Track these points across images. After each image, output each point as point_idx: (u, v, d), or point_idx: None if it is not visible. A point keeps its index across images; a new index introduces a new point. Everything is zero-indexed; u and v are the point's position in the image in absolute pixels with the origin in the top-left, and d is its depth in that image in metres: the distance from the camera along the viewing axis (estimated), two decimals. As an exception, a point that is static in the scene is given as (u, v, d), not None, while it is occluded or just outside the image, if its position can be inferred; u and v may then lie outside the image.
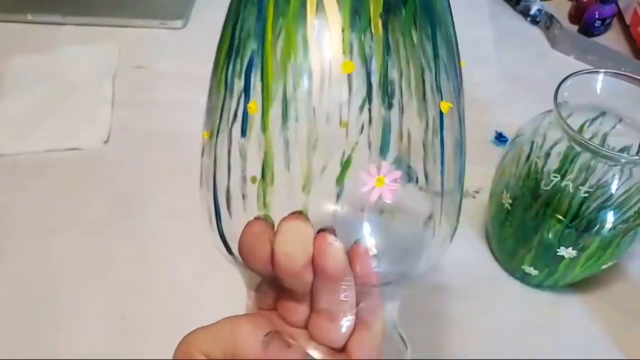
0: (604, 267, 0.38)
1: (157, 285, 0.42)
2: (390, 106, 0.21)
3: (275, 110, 0.21)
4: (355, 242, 0.21)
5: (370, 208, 0.21)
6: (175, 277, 0.42)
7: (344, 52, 0.20)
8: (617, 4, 0.62)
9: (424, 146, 0.22)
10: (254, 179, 0.21)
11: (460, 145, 0.24)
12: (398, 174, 0.21)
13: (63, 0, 0.65)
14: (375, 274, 0.21)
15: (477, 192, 0.47)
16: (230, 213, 0.22)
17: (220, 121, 0.23)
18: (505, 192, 0.38)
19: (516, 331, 0.40)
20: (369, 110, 0.21)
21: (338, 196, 0.21)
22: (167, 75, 0.58)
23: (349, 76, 0.20)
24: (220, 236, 0.23)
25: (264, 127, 0.21)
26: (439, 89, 0.22)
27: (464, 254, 0.44)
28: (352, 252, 0.21)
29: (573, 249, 0.36)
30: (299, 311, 0.22)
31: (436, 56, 0.22)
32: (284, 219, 0.20)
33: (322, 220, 0.21)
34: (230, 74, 0.22)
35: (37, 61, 0.59)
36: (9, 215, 0.47)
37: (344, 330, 0.22)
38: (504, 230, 0.40)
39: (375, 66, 0.20)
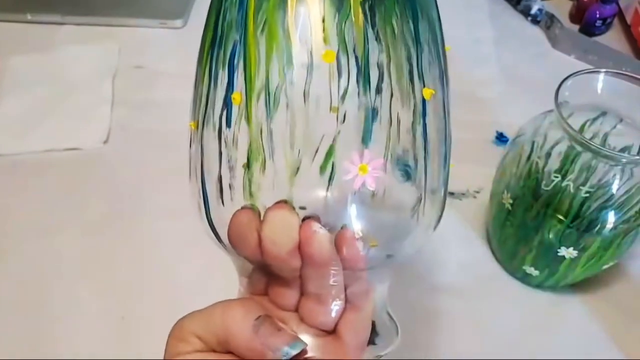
0: (604, 267, 0.38)
1: (157, 285, 0.42)
2: (372, 93, 0.21)
3: (259, 101, 0.21)
4: (342, 228, 0.21)
5: (358, 195, 0.21)
6: (175, 277, 0.42)
7: (324, 42, 0.20)
8: (617, 4, 0.62)
9: (408, 134, 0.22)
10: (245, 166, 0.22)
11: (444, 132, 0.24)
12: (380, 161, 0.21)
13: (62, 0, 0.65)
14: (362, 258, 0.22)
15: (477, 192, 0.47)
16: (218, 202, 0.23)
17: (205, 112, 0.23)
18: (506, 192, 0.38)
19: (517, 331, 0.39)
20: (362, 98, 0.21)
21: (329, 182, 0.21)
22: (167, 75, 0.58)
23: (331, 65, 0.21)
24: (210, 225, 0.24)
25: (248, 117, 0.21)
26: (420, 76, 0.22)
27: (464, 254, 0.43)
28: (338, 237, 0.21)
29: (574, 249, 0.35)
30: (289, 295, 0.23)
31: (418, 42, 0.22)
32: (270, 208, 0.21)
33: (312, 206, 0.21)
34: (214, 64, 0.23)
35: (36, 61, 0.59)
36: (8, 215, 0.46)
37: (333, 313, 0.22)
38: (504, 230, 0.40)
39: (356, 54, 0.21)
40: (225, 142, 0.22)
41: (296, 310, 0.23)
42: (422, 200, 0.23)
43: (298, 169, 0.21)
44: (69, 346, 0.39)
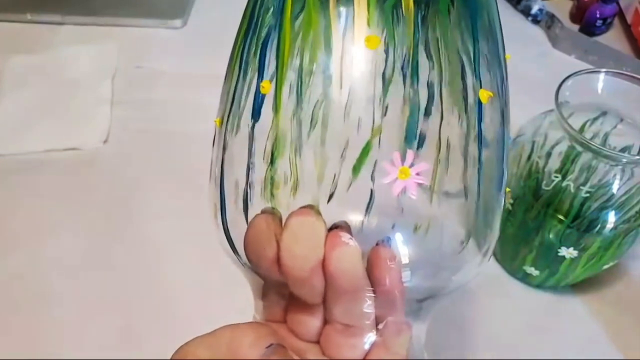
0: (605, 267, 0.37)
1: (156, 285, 0.42)
2: (427, 93, 0.18)
3: (292, 93, 0.19)
4: (377, 244, 0.18)
5: (399, 213, 0.18)
6: (175, 277, 0.42)
7: (368, 25, 0.18)
8: (618, 3, 0.62)
9: (461, 145, 0.19)
10: (268, 162, 0.19)
11: (502, 145, 0.21)
12: (426, 166, 0.18)
13: (62, 0, 0.65)
14: (400, 282, 0.18)
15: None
16: (236, 205, 0.20)
17: (232, 104, 0.21)
18: (506, 192, 0.38)
19: (517, 331, 0.39)
20: (407, 91, 0.18)
21: (370, 200, 0.18)
22: (167, 74, 0.58)
23: (374, 53, 0.18)
24: (225, 233, 0.21)
25: (277, 106, 0.19)
26: (477, 76, 0.19)
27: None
28: (373, 254, 0.18)
29: (574, 249, 0.35)
30: (310, 323, 0.19)
31: (476, 41, 0.19)
32: (293, 213, 0.18)
33: (342, 218, 0.18)
34: (246, 52, 0.20)
35: (36, 61, 0.59)
36: (8, 215, 0.46)
37: (361, 348, 0.19)
38: (504, 230, 0.40)
39: (404, 43, 0.18)
40: (249, 135, 0.19)
41: (318, 341, 0.20)
42: (475, 224, 0.20)
43: (334, 175, 0.18)
44: (69, 346, 0.38)
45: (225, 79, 0.22)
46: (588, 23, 0.61)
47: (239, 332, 0.18)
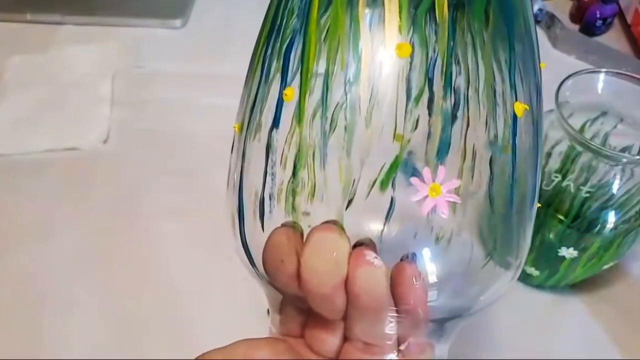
0: (605, 267, 0.37)
1: (157, 285, 0.42)
2: (453, 101, 0.17)
3: (314, 99, 0.18)
4: (402, 259, 0.17)
5: (424, 228, 0.17)
6: (175, 277, 0.42)
7: (400, 32, 0.17)
8: (618, 3, 0.62)
9: (491, 159, 0.18)
10: (290, 173, 0.18)
11: (536, 158, 0.20)
12: (457, 183, 0.17)
13: (62, 0, 0.65)
14: (424, 300, 0.17)
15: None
16: (255, 216, 0.19)
17: (252, 111, 0.20)
18: (506, 192, 0.38)
19: (517, 331, 0.39)
20: (429, 103, 0.17)
21: (391, 206, 0.17)
22: (167, 74, 0.58)
23: (404, 61, 0.17)
24: (243, 244, 0.20)
25: (300, 116, 0.18)
26: (513, 87, 0.18)
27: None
28: (397, 271, 0.17)
29: (574, 250, 0.35)
30: (330, 340, 0.19)
31: (511, 49, 0.18)
32: (315, 228, 0.17)
33: (366, 234, 0.17)
34: (269, 56, 0.19)
35: (36, 61, 0.59)
36: (7, 215, 0.46)
37: None
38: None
39: (437, 52, 0.17)
40: (270, 145, 0.19)
41: (336, 358, 0.19)
42: (502, 240, 0.19)
43: (353, 181, 0.17)
44: (69, 346, 0.38)
45: (245, 83, 0.21)
46: (588, 23, 0.61)
47: (255, 347, 0.18)
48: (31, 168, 0.50)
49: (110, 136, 0.52)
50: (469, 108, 0.17)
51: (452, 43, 0.17)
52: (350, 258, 0.17)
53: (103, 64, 0.59)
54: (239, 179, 0.20)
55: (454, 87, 0.17)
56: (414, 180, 0.17)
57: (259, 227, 0.19)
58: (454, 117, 0.17)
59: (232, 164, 0.21)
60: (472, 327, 0.40)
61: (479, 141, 0.18)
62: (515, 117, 0.18)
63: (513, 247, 0.20)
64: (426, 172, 0.17)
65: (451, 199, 0.17)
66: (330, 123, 0.17)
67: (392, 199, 0.17)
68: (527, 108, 0.18)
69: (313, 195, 0.18)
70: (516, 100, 0.18)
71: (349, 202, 0.17)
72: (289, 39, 0.19)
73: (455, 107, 0.17)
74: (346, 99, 0.17)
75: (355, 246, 0.17)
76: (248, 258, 0.20)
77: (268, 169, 0.19)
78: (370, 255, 0.17)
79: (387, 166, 0.17)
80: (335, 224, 0.17)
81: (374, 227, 0.17)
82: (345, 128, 0.17)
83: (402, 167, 0.17)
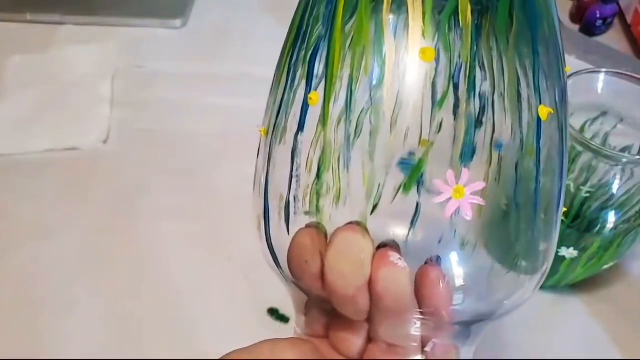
0: (605, 267, 0.37)
1: (157, 285, 0.42)
2: (479, 106, 0.17)
3: (339, 104, 0.18)
4: (426, 262, 0.17)
5: (446, 227, 0.17)
6: (175, 277, 0.42)
7: (423, 36, 0.17)
8: (618, 3, 0.62)
9: (517, 164, 0.18)
10: (314, 176, 0.18)
11: (561, 163, 0.20)
12: (481, 185, 0.17)
13: (62, 0, 0.65)
14: (449, 304, 0.18)
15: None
16: (280, 218, 0.20)
17: (278, 115, 0.20)
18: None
19: (517, 331, 0.39)
20: (454, 108, 0.17)
21: (416, 213, 0.17)
22: (167, 75, 0.58)
23: (427, 64, 0.17)
24: (268, 246, 0.21)
25: (324, 119, 0.18)
26: (537, 91, 0.18)
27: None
28: (421, 273, 0.17)
29: (574, 250, 0.35)
30: (354, 341, 0.19)
31: (535, 53, 0.18)
32: (339, 229, 0.17)
33: (385, 237, 0.18)
34: (295, 62, 0.20)
35: (36, 61, 0.59)
36: (8, 215, 0.46)
37: None
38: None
39: (460, 55, 0.17)
40: (295, 148, 0.19)
41: (360, 358, 0.19)
42: (527, 245, 0.19)
43: (379, 185, 0.17)
44: (69, 346, 0.38)
45: (271, 88, 0.22)
46: (588, 23, 0.61)
47: (279, 348, 0.18)
48: (31, 168, 0.50)
49: (110, 136, 0.52)
50: (495, 113, 0.18)
51: (475, 48, 0.17)
52: (374, 259, 0.17)
53: (103, 64, 0.59)
54: (265, 182, 0.21)
55: (479, 92, 0.17)
56: (437, 182, 0.17)
57: (284, 229, 0.19)
58: (479, 123, 0.17)
59: (259, 167, 0.21)
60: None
61: (502, 132, 0.18)
62: (539, 120, 0.18)
63: (539, 252, 0.20)
64: (450, 174, 0.17)
65: (475, 201, 0.17)
66: (355, 127, 0.18)
67: (417, 204, 0.17)
68: (552, 112, 0.18)
69: (338, 199, 0.18)
70: (540, 103, 0.18)
71: (374, 206, 0.18)
72: (314, 45, 0.19)
73: (481, 112, 0.17)
74: (371, 103, 0.18)
75: (379, 247, 0.17)
76: (274, 259, 0.20)
77: (293, 172, 0.19)
78: (394, 256, 0.17)
79: (411, 170, 0.17)
80: (359, 225, 0.17)
81: (399, 232, 0.18)
82: (370, 132, 0.18)
83: (406, 165, 0.18)
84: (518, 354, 0.38)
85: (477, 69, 0.17)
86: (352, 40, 0.18)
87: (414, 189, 0.17)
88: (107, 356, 0.38)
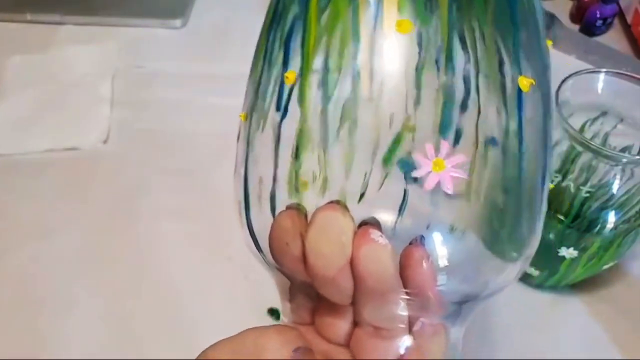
0: (605, 267, 0.37)
1: (156, 286, 0.42)
2: (456, 74, 0.17)
3: (317, 83, 0.18)
4: (410, 243, 0.17)
5: (434, 213, 0.17)
6: (175, 277, 0.42)
7: (399, 10, 0.17)
8: (618, 3, 0.62)
9: (500, 141, 0.18)
10: (293, 156, 0.18)
11: (545, 138, 0.19)
12: (462, 158, 0.17)
13: (62, 0, 0.65)
14: (434, 283, 0.17)
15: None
16: (260, 201, 0.19)
17: (257, 99, 0.20)
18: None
19: (517, 331, 0.39)
20: (430, 82, 0.17)
21: (401, 205, 0.17)
22: (167, 75, 0.58)
23: (405, 42, 0.17)
24: (249, 231, 0.20)
25: (302, 97, 0.18)
26: (517, 65, 0.18)
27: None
28: (405, 255, 0.17)
29: (574, 250, 0.35)
30: (339, 326, 0.19)
31: (515, 27, 0.18)
32: (318, 209, 0.17)
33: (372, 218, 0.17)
34: (270, 44, 0.19)
35: (36, 61, 0.59)
36: (8, 215, 0.46)
37: (394, 352, 0.18)
38: (504, 230, 0.40)
39: (437, 31, 0.17)
40: (273, 129, 0.19)
41: (348, 344, 0.19)
42: (511, 225, 0.19)
43: (353, 160, 0.17)
44: (69, 346, 0.38)
45: (250, 73, 0.21)
46: (588, 23, 0.61)
47: (264, 336, 0.17)
48: (31, 168, 0.50)
49: (110, 136, 0.52)
50: (476, 92, 0.17)
51: (452, 22, 0.17)
52: (355, 238, 0.16)
53: (103, 64, 0.59)
54: (245, 166, 0.20)
55: (459, 70, 0.17)
56: (416, 155, 0.17)
57: (264, 212, 0.19)
58: (463, 106, 0.17)
59: (238, 153, 0.21)
60: (472, 326, 0.40)
61: (491, 126, 0.18)
62: (520, 91, 0.18)
63: (523, 232, 0.20)
64: (429, 147, 0.17)
65: (456, 174, 0.17)
66: (336, 106, 0.17)
67: (405, 191, 0.17)
68: (533, 82, 0.18)
69: (325, 184, 0.17)
70: (520, 74, 0.18)
71: (362, 195, 0.17)
72: (290, 24, 0.19)
73: (466, 95, 0.17)
74: (350, 81, 0.17)
75: (360, 226, 0.17)
76: (255, 244, 0.20)
77: (272, 154, 0.19)
78: (375, 233, 0.16)
79: (389, 145, 0.17)
80: (339, 203, 0.17)
81: (386, 219, 0.17)
82: (349, 111, 0.17)
83: (405, 163, 0.17)
84: (518, 354, 0.38)
85: (459, 47, 0.17)
86: (327, 16, 0.18)
87: (400, 175, 0.17)
88: (107, 356, 0.38)
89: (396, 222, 0.17)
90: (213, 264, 0.42)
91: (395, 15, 0.17)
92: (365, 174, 0.17)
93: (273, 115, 0.19)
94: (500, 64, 0.18)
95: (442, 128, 0.17)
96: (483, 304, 0.20)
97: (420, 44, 0.17)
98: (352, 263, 0.16)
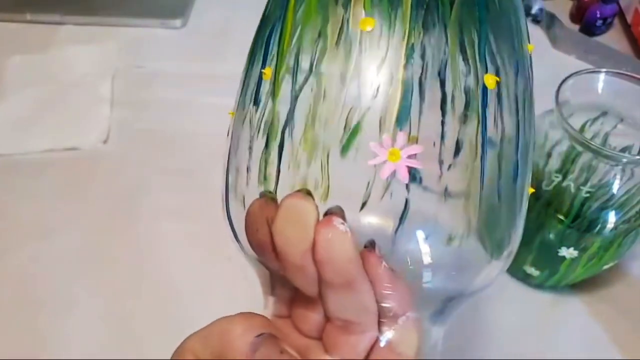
0: (605, 267, 0.37)
1: (156, 286, 0.42)
2: (417, 66, 0.18)
3: (289, 78, 0.19)
4: (365, 246, 0.17)
5: (434, 222, 0.17)
6: (175, 277, 0.42)
7: (365, 9, 0.18)
8: (618, 3, 0.62)
9: (468, 140, 0.18)
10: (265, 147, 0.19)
11: (517, 137, 0.19)
12: (418, 149, 0.17)
13: (62, 0, 0.65)
14: (388, 279, 0.17)
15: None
16: (236, 190, 0.20)
17: (241, 95, 0.21)
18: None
19: (517, 331, 0.39)
20: (393, 75, 0.18)
21: (402, 214, 0.17)
22: (167, 75, 0.58)
23: (371, 39, 0.18)
24: (228, 221, 0.21)
25: (275, 92, 0.19)
26: (482, 59, 0.18)
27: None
28: (362, 252, 0.17)
29: (574, 250, 0.35)
30: (312, 318, 0.19)
31: (481, 23, 0.18)
32: (285, 196, 0.17)
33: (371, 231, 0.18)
34: (256, 42, 0.21)
35: (36, 61, 0.59)
36: (7, 215, 0.46)
37: (362, 347, 0.18)
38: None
39: (400, 24, 0.18)
40: (250, 122, 0.20)
41: (321, 337, 0.19)
42: (491, 226, 0.19)
43: (317, 149, 0.17)
44: (69, 346, 0.38)
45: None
46: (588, 23, 0.61)
47: (230, 322, 0.18)
48: (31, 168, 0.50)
49: (110, 136, 0.52)
50: (443, 84, 0.18)
51: (415, 16, 0.18)
52: (316, 225, 0.17)
53: (103, 64, 0.59)
54: (227, 159, 0.21)
55: (417, 64, 0.18)
56: (372, 145, 0.17)
57: (239, 203, 0.20)
58: (422, 99, 0.18)
59: (226, 148, 0.22)
60: (472, 326, 0.40)
61: (456, 123, 0.18)
62: (485, 88, 0.18)
63: (502, 231, 0.20)
64: (386, 138, 0.17)
65: (411, 164, 0.17)
66: (304, 99, 0.18)
67: (406, 200, 0.17)
68: (499, 80, 0.18)
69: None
70: (487, 72, 0.18)
71: (364, 204, 0.17)
72: (271, 25, 0.20)
73: (421, 82, 0.18)
74: (319, 76, 0.18)
75: (325, 215, 0.17)
76: (234, 235, 0.21)
77: (247, 145, 0.19)
78: (337, 220, 0.16)
79: (348, 135, 0.18)
80: (304, 191, 0.17)
81: (387, 228, 0.18)
82: (315, 103, 0.18)
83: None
84: (518, 354, 0.38)
85: (418, 39, 0.18)
86: (300, 15, 0.19)
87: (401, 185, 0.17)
88: (107, 356, 0.38)
89: (397, 230, 0.18)
90: (213, 264, 0.42)
91: (361, 14, 0.18)
92: (368, 184, 0.17)
93: (251, 110, 0.20)
94: (465, 57, 0.18)
95: (399, 119, 0.17)
96: (466, 302, 0.20)
97: (384, 42, 0.18)
98: (313, 249, 0.17)
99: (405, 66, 0.18)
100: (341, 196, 0.18)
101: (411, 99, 0.17)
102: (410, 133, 0.17)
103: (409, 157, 0.17)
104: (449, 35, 0.18)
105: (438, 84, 0.18)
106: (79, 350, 0.38)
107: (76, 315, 0.40)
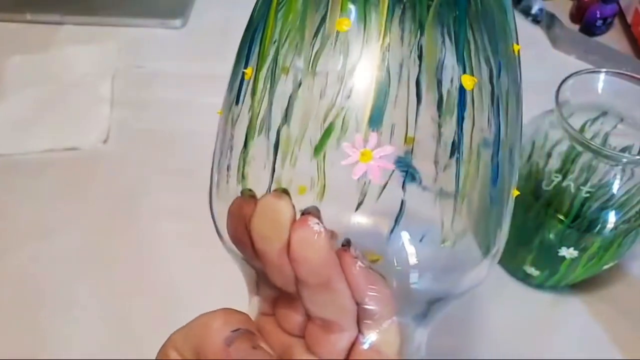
0: (605, 267, 0.37)
1: (156, 286, 0.42)
2: (394, 68, 0.18)
3: (269, 76, 0.19)
4: (342, 245, 0.17)
5: (430, 224, 0.17)
6: (175, 277, 0.42)
7: (341, 10, 0.18)
8: (618, 3, 0.62)
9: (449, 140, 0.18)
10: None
11: (498, 138, 0.19)
12: (390, 149, 0.17)
13: (62, 0, 0.65)
14: (361, 281, 0.17)
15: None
16: (218, 188, 0.20)
17: (227, 94, 0.21)
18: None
19: (517, 331, 0.39)
20: (367, 74, 0.18)
21: (398, 215, 0.17)
22: (167, 75, 0.58)
23: (346, 35, 0.18)
24: (213, 220, 0.21)
25: (254, 90, 0.19)
26: (460, 59, 0.18)
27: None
28: (337, 251, 0.17)
29: (574, 250, 0.35)
30: (294, 316, 0.19)
31: (460, 23, 0.18)
32: (262, 195, 0.18)
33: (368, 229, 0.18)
34: (241, 43, 0.21)
35: (36, 61, 0.59)
36: (7, 215, 0.46)
37: (341, 346, 0.18)
38: (504, 230, 0.40)
39: (376, 24, 0.18)
40: (231, 120, 0.20)
41: (303, 335, 0.19)
42: (479, 227, 0.19)
43: (293, 147, 0.18)
44: (69, 346, 0.38)
45: None
46: (588, 23, 0.61)
47: (210, 318, 0.18)
48: (31, 168, 0.50)
49: (110, 136, 0.52)
50: (418, 84, 0.18)
51: (391, 18, 0.18)
52: (292, 224, 0.17)
53: (103, 64, 0.59)
54: (213, 160, 0.21)
55: (395, 65, 0.18)
56: (345, 145, 0.17)
57: (221, 201, 0.20)
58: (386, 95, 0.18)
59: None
60: (472, 326, 0.40)
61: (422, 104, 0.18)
62: (462, 89, 0.18)
63: (489, 232, 0.20)
64: (358, 138, 0.17)
65: (383, 165, 0.17)
66: (283, 99, 0.18)
67: (402, 202, 0.17)
68: (476, 80, 0.18)
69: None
70: (465, 73, 0.18)
71: (359, 204, 0.17)
72: (255, 26, 0.20)
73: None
74: (291, 74, 0.18)
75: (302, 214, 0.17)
76: (217, 232, 0.21)
77: (228, 144, 0.20)
78: (312, 220, 0.16)
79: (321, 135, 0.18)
80: (281, 190, 0.17)
81: (381, 229, 0.18)
82: (294, 106, 0.18)
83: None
84: (518, 354, 0.38)
85: (396, 39, 0.18)
86: (281, 15, 0.19)
87: (398, 187, 0.17)
88: (107, 356, 0.38)
89: (392, 231, 0.18)
90: (213, 264, 0.42)
91: (337, 14, 0.18)
92: (364, 184, 0.17)
93: (233, 109, 0.20)
94: (441, 60, 0.18)
95: (372, 120, 0.17)
96: (451, 304, 0.20)
97: (359, 42, 0.18)
98: (288, 248, 0.17)
99: (380, 67, 0.18)
100: (337, 196, 0.18)
101: (385, 99, 0.17)
102: (389, 133, 0.17)
103: (381, 157, 0.17)
104: (426, 35, 0.18)
105: (414, 84, 0.18)
106: (79, 350, 0.38)
107: (76, 315, 0.40)
